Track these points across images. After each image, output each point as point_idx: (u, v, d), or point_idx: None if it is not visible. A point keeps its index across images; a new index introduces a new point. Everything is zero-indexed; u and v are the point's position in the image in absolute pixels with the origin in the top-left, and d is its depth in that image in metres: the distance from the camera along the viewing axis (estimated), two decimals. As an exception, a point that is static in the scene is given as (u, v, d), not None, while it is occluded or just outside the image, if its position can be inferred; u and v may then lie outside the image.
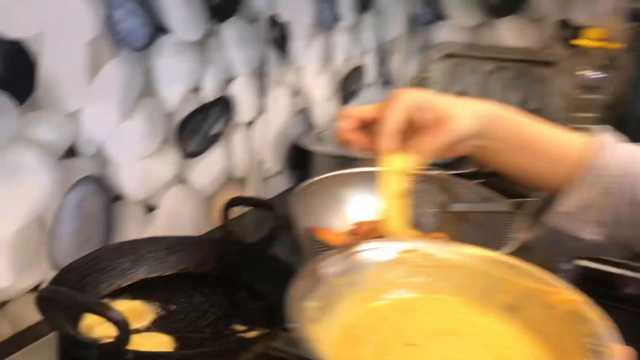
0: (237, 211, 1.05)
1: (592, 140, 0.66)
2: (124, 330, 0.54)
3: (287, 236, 0.85)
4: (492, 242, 0.78)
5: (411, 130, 0.61)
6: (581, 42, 1.53)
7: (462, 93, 1.83)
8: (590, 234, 0.65)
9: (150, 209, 0.99)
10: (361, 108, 0.64)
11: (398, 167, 0.60)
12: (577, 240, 0.67)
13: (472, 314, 0.54)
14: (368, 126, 0.63)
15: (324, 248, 0.82)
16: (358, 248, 0.55)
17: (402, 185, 0.60)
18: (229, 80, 1.12)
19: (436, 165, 1.00)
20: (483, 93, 1.80)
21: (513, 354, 0.50)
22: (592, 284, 1.13)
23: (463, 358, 0.49)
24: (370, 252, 0.55)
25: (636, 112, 1.40)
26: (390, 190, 0.60)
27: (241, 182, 1.20)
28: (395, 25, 1.79)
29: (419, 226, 0.95)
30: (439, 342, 0.50)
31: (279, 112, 1.30)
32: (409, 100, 0.61)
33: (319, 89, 1.45)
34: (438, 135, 0.60)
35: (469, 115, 0.62)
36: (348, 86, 1.60)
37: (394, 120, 0.59)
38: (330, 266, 0.52)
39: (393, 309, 0.54)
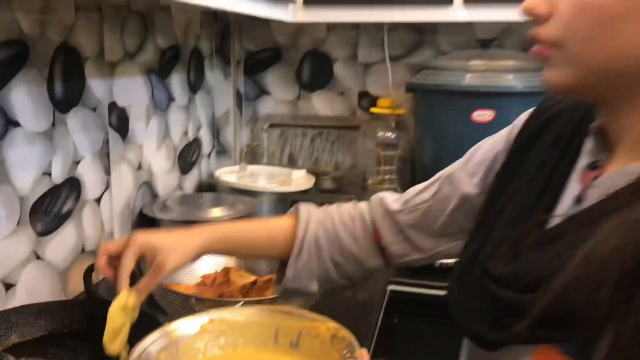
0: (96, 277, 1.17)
1: (293, 215, 0.87)
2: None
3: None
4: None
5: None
6: (377, 109, 1.88)
7: (291, 156, 2.10)
8: (314, 286, 0.85)
9: (9, 286, 1.07)
10: (109, 247, 0.80)
11: (121, 302, 0.75)
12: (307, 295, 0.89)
13: (267, 356, 0.71)
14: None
15: (178, 299, 0.98)
16: (171, 327, 0.69)
17: (121, 317, 0.75)
18: (76, 162, 1.24)
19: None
20: (310, 154, 2.09)
21: None
22: (401, 304, 1.41)
23: None
24: (181, 329, 0.70)
25: (422, 162, 1.74)
26: (112, 322, 0.74)
27: (94, 253, 1.31)
28: (224, 101, 2.02)
29: (257, 272, 1.15)
30: None
31: (124, 186, 1.44)
32: (137, 247, 0.77)
33: (160, 163, 1.61)
34: (154, 277, 0.76)
35: (181, 254, 0.78)
36: (187, 158, 1.78)
37: (124, 267, 0.76)
38: (152, 345, 0.66)
39: None
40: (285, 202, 1.78)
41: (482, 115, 1.54)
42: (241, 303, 0.91)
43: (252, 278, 1.11)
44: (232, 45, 2.01)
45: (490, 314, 0.60)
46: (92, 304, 0.91)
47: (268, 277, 1.11)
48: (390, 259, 0.85)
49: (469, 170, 0.79)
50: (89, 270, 0.95)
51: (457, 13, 1.57)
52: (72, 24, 1.21)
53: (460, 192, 0.78)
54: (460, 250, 0.73)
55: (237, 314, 0.73)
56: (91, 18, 1.27)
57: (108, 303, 0.73)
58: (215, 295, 1.05)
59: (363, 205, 0.89)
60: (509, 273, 0.59)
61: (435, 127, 1.67)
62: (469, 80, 1.58)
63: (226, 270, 1.11)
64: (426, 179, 0.86)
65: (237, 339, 0.72)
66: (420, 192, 0.84)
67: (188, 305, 0.95)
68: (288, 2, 1.61)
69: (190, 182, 1.82)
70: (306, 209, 0.87)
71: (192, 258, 0.80)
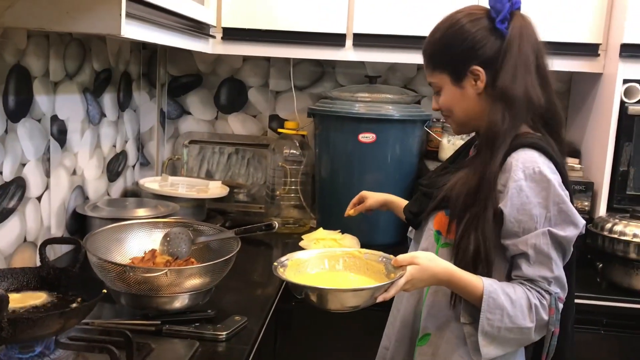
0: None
1: None
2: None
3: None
4: (222, 255, 1.29)
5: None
6: (284, 130, 2.19)
7: (209, 171, 2.37)
8: None
9: (-36, 264, 1.28)
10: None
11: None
12: None
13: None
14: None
15: (114, 269, 1.24)
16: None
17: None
18: (23, 165, 1.47)
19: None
20: (227, 169, 2.36)
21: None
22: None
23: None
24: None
25: (320, 175, 2.07)
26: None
27: (34, 244, 1.53)
28: (149, 119, 2.27)
29: (178, 256, 1.42)
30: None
31: (60, 188, 1.66)
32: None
33: (91, 170, 1.84)
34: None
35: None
36: (114, 167, 2.01)
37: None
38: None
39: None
40: (202, 208, 2.05)
41: (366, 137, 1.90)
42: (164, 271, 1.18)
43: (171, 258, 1.38)
44: (157, 70, 2.27)
45: (418, 203, 1.29)
46: (49, 269, 1.16)
47: (185, 258, 1.39)
48: None
49: None
50: (45, 244, 1.20)
51: (348, 54, 1.93)
52: (24, 48, 1.44)
53: None
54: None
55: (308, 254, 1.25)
56: (40, 43, 1.51)
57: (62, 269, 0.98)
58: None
59: None
60: (428, 182, 1.30)
61: (330, 146, 2.01)
62: (357, 108, 1.93)
63: (152, 252, 1.38)
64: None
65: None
66: None
67: (123, 275, 1.21)
68: (208, 37, 1.90)
69: (117, 189, 2.05)
70: None
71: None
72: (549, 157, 1.14)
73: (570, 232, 1.12)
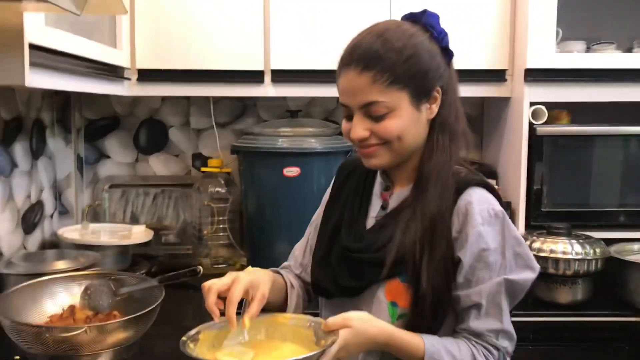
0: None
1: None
2: None
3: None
4: (147, 305, 1.25)
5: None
6: (208, 168, 2.16)
7: (133, 214, 2.29)
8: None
9: None
10: (217, 286, 1.02)
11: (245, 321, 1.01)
12: None
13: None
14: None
15: (30, 331, 1.16)
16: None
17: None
18: None
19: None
20: (153, 212, 2.29)
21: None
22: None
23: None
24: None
25: (248, 211, 2.05)
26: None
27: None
28: (66, 165, 2.19)
29: (99, 310, 1.35)
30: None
31: (-31, 246, 1.56)
32: (243, 284, 1.02)
33: (4, 224, 1.74)
34: (260, 303, 1.03)
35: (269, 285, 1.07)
36: (30, 219, 1.91)
37: (235, 300, 1.00)
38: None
39: None
40: (126, 254, 1.98)
41: (291, 171, 1.90)
42: (84, 329, 1.13)
43: (92, 313, 1.32)
44: (72, 115, 2.20)
45: (353, 273, 1.06)
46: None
47: (107, 312, 1.33)
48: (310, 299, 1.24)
49: (318, 214, 1.24)
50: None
51: (267, 89, 1.94)
52: None
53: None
54: (314, 248, 1.18)
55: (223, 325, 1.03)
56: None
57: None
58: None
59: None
60: (362, 245, 1.08)
61: (255, 182, 2.00)
62: (280, 143, 1.94)
63: (71, 308, 1.31)
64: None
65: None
66: (303, 253, 1.25)
67: (40, 337, 1.14)
68: (123, 79, 1.86)
69: (34, 241, 1.95)
70: (285, 275, 1.22)
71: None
72: (494, 194, 1.06)
73: (525, 276, 1.03)
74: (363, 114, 1.01)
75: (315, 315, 1.09)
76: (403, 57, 0.98)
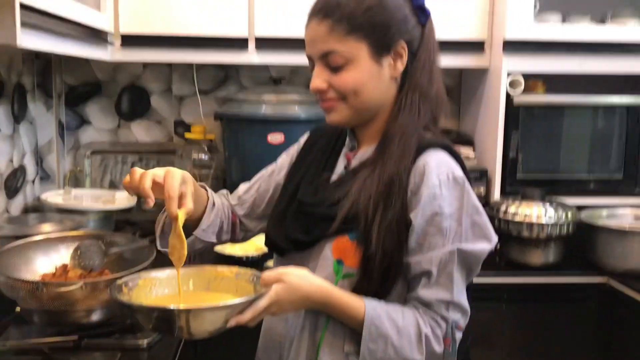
0: None
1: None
2: None
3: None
4: (137, 264, 1.28)
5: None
6: (191, 135, 2.18)
7: (112, 182, 2.30)
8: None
9: None
10: (154, 171, 0.95)
11: (179, 215, 0.95)
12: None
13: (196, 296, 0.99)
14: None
15: (26, 286, 1.19)
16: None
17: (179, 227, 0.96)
18: None
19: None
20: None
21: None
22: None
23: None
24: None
25: (231, 178, 2.08)
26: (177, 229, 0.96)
27: None
28: (47, 130, 2.18)
29: (91, 269, 1.38)
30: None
31: (-45, 209, 1.56)
32: (179, 178, 0.96)
33: (-13, 188, 1.74)
34: (191, 200, 0.98)
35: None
36: (12, 184, 1.91)
37: (173, 192, 0.94)
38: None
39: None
40: (110, 219, 1.99)
41: (275, 137, 1.93)
42: (80, 284, 1.15)
43: (84, 272, 1.35)
44: (53, 80, 2.18)
45: (304, 227, 1.03)
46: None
47: (98, 271, 1.35)
48: (235, 234, 1.20)
49: (277, 168, 1.21)
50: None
51: (251, 57, 1.95)
52: None
53: (275, 183, 1.19)
54: (274, 202, 1.15)
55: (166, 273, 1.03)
56: None
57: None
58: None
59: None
60: (316, 199, 1.05)
61: (239, 149, 2.02)
62: (265, 110, 1.96)
63: (64, 267, 1.33)
64: None
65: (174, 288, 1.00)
66: (248, 190, 1.22)
67: (35, 292, 1.16)
68: (107, 44, 1.86)
69: (17, 206, 1.95)
70: (211, 192, 1.17)
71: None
72: (457, 160, 1.02)
73: (481, 247, 0.98)
74: (323, 65, 1.00)
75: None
76: (364, 7, 0.97)
